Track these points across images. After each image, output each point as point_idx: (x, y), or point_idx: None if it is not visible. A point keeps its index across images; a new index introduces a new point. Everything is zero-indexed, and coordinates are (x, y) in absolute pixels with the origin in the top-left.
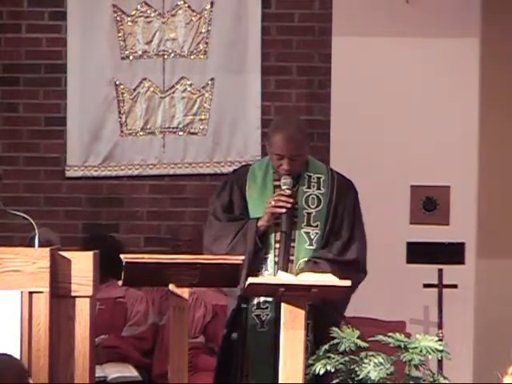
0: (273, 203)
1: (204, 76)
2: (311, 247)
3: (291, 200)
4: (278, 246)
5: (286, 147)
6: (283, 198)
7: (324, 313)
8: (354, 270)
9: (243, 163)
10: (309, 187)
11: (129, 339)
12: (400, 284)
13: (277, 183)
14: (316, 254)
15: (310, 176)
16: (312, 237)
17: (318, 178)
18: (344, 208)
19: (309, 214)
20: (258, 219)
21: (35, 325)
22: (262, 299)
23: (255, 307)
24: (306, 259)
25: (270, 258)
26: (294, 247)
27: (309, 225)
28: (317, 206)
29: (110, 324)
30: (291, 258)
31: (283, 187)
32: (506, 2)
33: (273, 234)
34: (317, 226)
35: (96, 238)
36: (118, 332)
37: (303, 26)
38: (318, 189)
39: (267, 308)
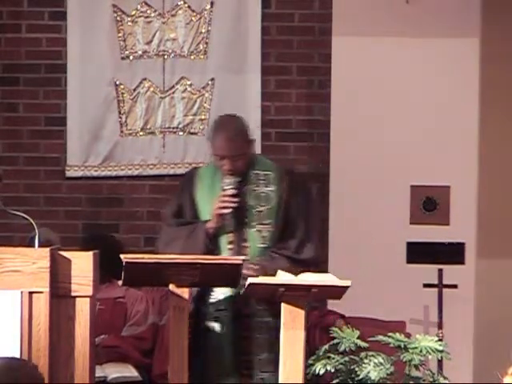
0: (217, 204)
1: (204, 76)
2: (264, 245)
3: (235, 199)
4: (231, 246)
5: (225, 148)
6: (226, 198)
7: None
8: (311, 268)
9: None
10: (257, 185)
11: (128, 339)
12: (400, 284)
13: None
14: (274, 249)
15: (257, 174)
16: (264, 235)
17: (267, 176)
18: (297, 204)
19: (259, 212)
20: (207, 222)
21: (35, 325)
22: (220, 297)
23: (214, 309)
24: (243, 259)
25: None
26: (247, 247)
27: (260, 223)
28: (267, 204)
29: (110, 324)
30: (246, 257)
31: (226, 187)
32: (506, 2)
33: (225, 236)
34: (269, 224)
35: (96, 238)
36: (118, 332)
37: (303, 25)
38: (267, 186)
39: (226, 310)
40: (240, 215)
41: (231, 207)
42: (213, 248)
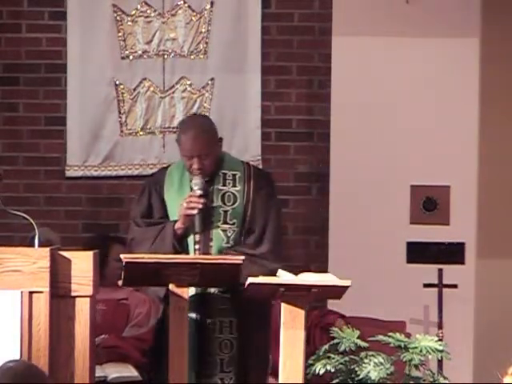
0: (185, 205)
1: (204, 76)
2: (228, 245)
3: (202, 200)
4: (197, 246)
5: (192, 147)
6: (194, 199)
7: (247, 308)
8: (267, 261)
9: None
10: (224, 185)
11: (130, 339)
12: (400, 284)
13: None
14: (233, 248)
15: (225, 174)
16: (229, 234)
17: (234, 175)
18: (261, 204)
19: (225, 211)
20: (175, 222)
21: (35, 325)
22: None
23: None
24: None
25: None
26: (211, 246)
27: (225, 222)
28: (233, 204)
29: (112, 324)
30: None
31: (194, 188)
32: (506, 2)
33: (192, 236)
34: (233, 224)
35: (102, 239)
36: (119, 332)
37: (303, 25)
38: (234, 186)
39: (190, 309)
40: (207, 215)
41: (198, 208)
42: (180, 250)
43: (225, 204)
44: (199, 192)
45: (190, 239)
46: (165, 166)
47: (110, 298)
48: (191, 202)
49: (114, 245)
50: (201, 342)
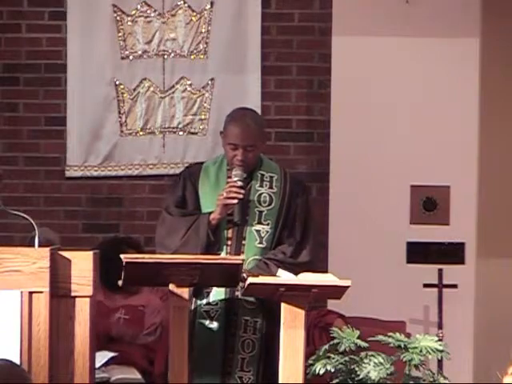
0: (224, 195)
1: (204, 76)
2: (261, 245)
3: (242, 191)
4: (229, 242)
5: (240, 136)
6: (234, 189)
7: (273, 311)
8: (308, 272)
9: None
10: (261, 185)
11: (139, 347)
12: (400, 284)
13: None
14: (268, 254)
15: (262, 175)
16: (262, 235)
17: (271, 177)
18: (296, 208)
19: (260, 212)
20: (210, 213)
21: (35, 325)
22: (211, 299)
23: (204, 303)
24: (257, 258)
25: (222, 254)
26: (244, 245)
27: (260, 223)
28: (269, 205)
29: (129, 331)
30: (241, 255)
31: (234, 178)
32: (506, 2)
33: (225, 231)
34: (268, 225)
35: (118, 243)
36: (132, 339)
37: (303, 25)
38: (271, 188)
39: (217, 304)
40: (242, 207)
41: (238, 198)
42: (214, 241)
43: (260, 204)
44: (240, 183)
45: (223, 234)
46: (198, 162)
47: (128, 304)
48: (231, 191)
49: (129, 250)
50: (228, 340)
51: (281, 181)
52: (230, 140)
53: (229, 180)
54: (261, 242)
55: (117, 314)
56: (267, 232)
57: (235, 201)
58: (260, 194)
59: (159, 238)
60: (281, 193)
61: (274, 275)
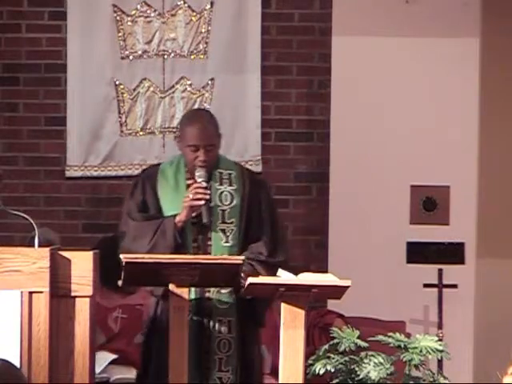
0: (191, 196)
1: (204, 76)
2: (227, 244)
3: (209, 192)
4: (195, 244)
5: (199, 137)
6: (200, 190)
7: (248, 310)
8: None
9: (243, 163)
10: (221, 184)
11: (138, 347)
12: (400, 284)
13: (190, 182)
14: (248, 254)
15: (221, 173)
16: (228, 234)
17: (229, 174)
18: (259, 204)
19: (223, 210)
20: (174, 216)
21: (35, 325)
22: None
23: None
24: (243, 259)
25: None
26: (210, 245)
27: (224, 222)
28: (230, 203)
29: (128, 331)
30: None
31: (198, 180)
32: (506, 2)
33: (190, 233)
34: (232, 223)
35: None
36: (131, 338)
37: (303, 25)
38: (230, 185)
39: (191, 306)
40: (209, 213)
41: (205, 199)
42: (181, 243)
43: (222, 203)
44: (205, 184)
45: (188, 237)
46: (154, 164)
47: (126, 304)
48: (198, 192)
49: None
50: (203, 340)
51: (239, 177)
52: (190, 142)
53: (190, 182)
54: (227, 241)
55: (114, 313)
56: (232, 230)
57: (202, 202)
58: (221, 193)
59: (125, 244)
60: (241, 189)
61: (263, 275)
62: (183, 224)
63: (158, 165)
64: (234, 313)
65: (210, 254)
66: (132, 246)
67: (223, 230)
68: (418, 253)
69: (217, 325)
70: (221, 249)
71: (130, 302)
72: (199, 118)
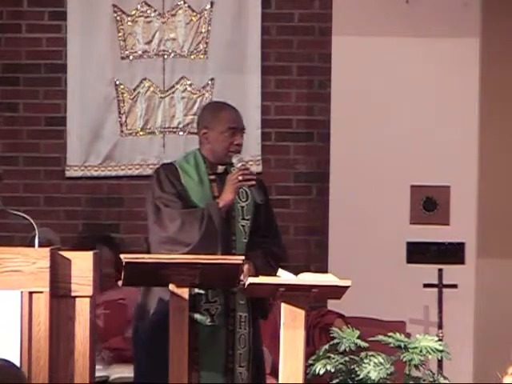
0: (240, 178)
1: (204, 76)
2: (245, 240)
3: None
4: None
5: (238, 119)
6: (248, 171)
7: (256, 306)
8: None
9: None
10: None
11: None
12: (400, 284)
13: (212, 177)
14: (262, 251)
15: (235, 169)
16: (246, 230)
17: None
18: (262, 203)
19: (242, 207)
20: (213, 204)
21: (35, 325)
22: (210, 296)
23: (204, 301)
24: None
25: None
26: (234, 240)
27: (243, 218)
28: (246, 200)
29: (115, 327)
30: (233, 251)
31: (238, 164)
32: (506, 2)
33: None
34: (248, 220)
35: (95, 241)
36: (123, 333)
37: (303, 25)
38: None
39: (216, 302)
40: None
41: (253, 179)
42: (227, 229)
43: (240, 200)
44: (247, 166)
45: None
46: (166, 162)
47: (108, 300)
48: (245, 173)
49: (103, 247)
50: (228, 336)
51: None
52: (230, 124)
53: (216, 180)
54: (245, 237)
55: (97, 310)
56: (248, 227)
57: (252, 182)
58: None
59: (171, 233)
60: (249, 188)
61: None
62: (226, 208)
63: (171, 163)
64: (249, 308)
65: (234, 248)
66: (179, 236)
67: (243, 226)
68: (418, 253)
69: (238, 320)
70: (242, 244)
71: (113, 298)
72: (227, 104)
